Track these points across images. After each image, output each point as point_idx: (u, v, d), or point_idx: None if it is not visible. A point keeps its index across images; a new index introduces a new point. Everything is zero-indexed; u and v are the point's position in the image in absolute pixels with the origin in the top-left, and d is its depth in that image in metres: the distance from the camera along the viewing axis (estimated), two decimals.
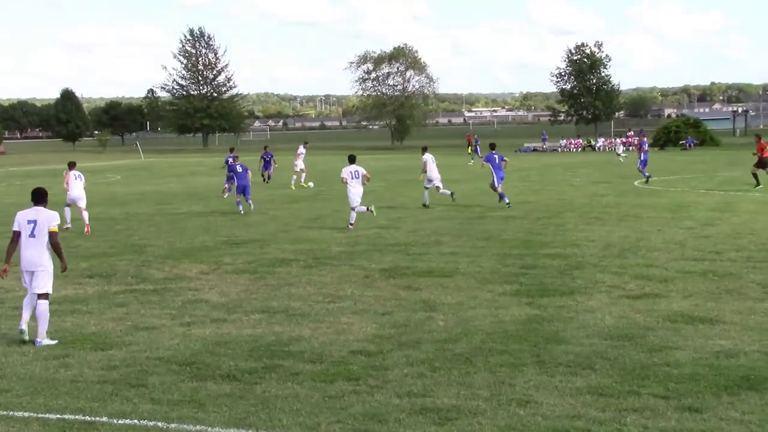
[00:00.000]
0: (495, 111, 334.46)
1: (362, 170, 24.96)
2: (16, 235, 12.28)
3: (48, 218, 12.26)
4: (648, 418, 8.47)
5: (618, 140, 77.13)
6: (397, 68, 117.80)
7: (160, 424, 8.52)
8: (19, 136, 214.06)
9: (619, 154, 68.54)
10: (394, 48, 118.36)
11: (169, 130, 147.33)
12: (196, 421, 8.59)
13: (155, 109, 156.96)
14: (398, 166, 61.85)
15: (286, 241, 22.09)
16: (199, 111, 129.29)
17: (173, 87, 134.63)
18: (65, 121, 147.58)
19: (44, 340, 12.02)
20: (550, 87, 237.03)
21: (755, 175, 35.38)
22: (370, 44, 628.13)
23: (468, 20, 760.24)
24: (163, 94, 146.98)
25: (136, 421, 8.63)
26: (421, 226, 24.55)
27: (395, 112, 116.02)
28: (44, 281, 12.18)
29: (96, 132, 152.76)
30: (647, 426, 8.28)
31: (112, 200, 36.83)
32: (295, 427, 8.40)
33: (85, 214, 25.65)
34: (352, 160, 25.45)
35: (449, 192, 31.23)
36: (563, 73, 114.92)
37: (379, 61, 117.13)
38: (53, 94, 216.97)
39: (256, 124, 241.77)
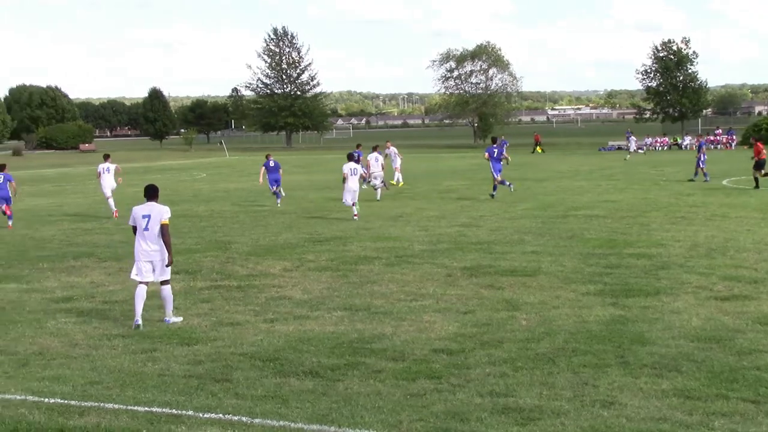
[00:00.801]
0: (579, 109, 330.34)
1: (360, 168, 28.36)
2: (134, 230, 13.25)
3: (160, 212, 13.17)
4: (737, 423, 8.28)
5: (632, 138, 72.43)
6: (480, 66, 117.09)
7: (244, 418, 8.64)
8: (108, 134, 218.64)
9: (629, 152, 67.33)
10: (477, 46, 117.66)
11: (253, 129, 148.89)
12: (280, 417, 8.68)
13: (240, 107, 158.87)
14: (481, 165, 61.54)
15: (369, 238, 22.17)
16: (283, 109, 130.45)
17: (257, 86, 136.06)
18: (153, 119, 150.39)
19: (172, 319, 13.21)
20: (635, 84, 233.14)
21: (756, 178, 35.59)
22: (450, 42, 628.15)
23: (551, 17, 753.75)
24: (247, 93, 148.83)
25: (221, 415, 8.76)
26: (503, 224, 24.41)
27: (478, 110, 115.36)
28: (164, 268, 13.19)
29: (182, 130, 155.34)
30: (736, 431, 8.10)
31: (197, 197, 37.44)
32: (377, 425, 8.43)
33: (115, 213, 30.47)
34: (350, 158, 28.37)
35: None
36: (649, 70, 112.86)
37: (461, 59, 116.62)
38: (141, 93, 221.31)
39: (339, 122, 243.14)
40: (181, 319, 13.33)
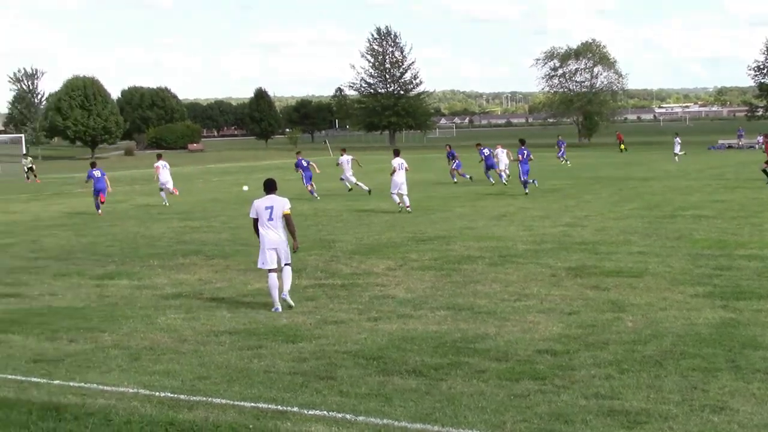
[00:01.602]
0: (687, 107, 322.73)
1: (405, 163, 30.46)
2: (256, 221, 14.33)
3: (282, 204, 14.31)
4: None
5: (677, 139, 65.12)
6: (585, 64, 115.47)
7: (348, 416, 8.70)
8: (216, 134, 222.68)
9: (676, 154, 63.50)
10: (581, 44, 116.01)
11: (357, 128, 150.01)
12: (383, 415, 8.72)
13: (344, 107, 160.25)
14: (586, 164, 60.73)
15: (472, 238, 22.10)
16: (387, 109, 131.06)
17: (361, 85, 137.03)
18: (258, 119, 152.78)
19: (288, 297, 14.22)
20: (747, 81, 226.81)
21: (765, 171, 36.28)
22: (554, 40, 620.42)
23: (657, 13, 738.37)
24: (351, 93, 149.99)
25: (325, 412, 8.85)
26: (609, 224, 24.03)
27: (582, 108, 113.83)
28: (288, 253, 14.38)
29: (287, 130, 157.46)
30: None
31: (302, 197, 37.84)
32: (480, 425, 8.39)
33: (174, 190, 37.97)
34: (397, 153, 30.83)
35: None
36: (762, 66, 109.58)
37: (565, 57, 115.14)
38: (247, 93, 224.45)
39: (443, 121, 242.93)
40: (293, 304, 14.16)
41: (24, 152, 73.96)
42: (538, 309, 13.53)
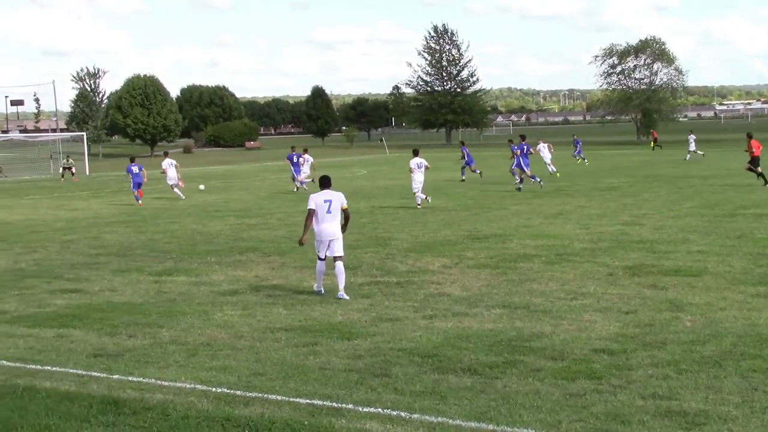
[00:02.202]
0: (749, 104, 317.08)
1: (424, 162, 31.57)
2: (312, 213, 15.01)
3: (340, 199, 15.17)
4: None
5: (691, 137, 62.29)
6: (644, 61, 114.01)
7: (403, 414, 8.70)
8: (273, 132, 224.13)
9: (691, 151, 61.26)
10: (640, 40, 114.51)
11: (413, 126, 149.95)
12: (438, 413, 8.70)
13: (400, 105, 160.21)
14: (645, 161, 60.08)
15: (528, 236, 21.97)
16: (443, 107, 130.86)
17: (417, 83, 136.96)
18: (315, 117, 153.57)
19: (344, 294, 14.78)
20: None
21: (762, 175, 35.38)
22: (613, 37, 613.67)
23: (718, 8, 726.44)
24: (407, 91, 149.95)
25: (380, 409, 8.86)
26: (667, 223, 23.72)
27: (641, 106, 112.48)
28: (341, 247, 15.15)
29: (344, 127, 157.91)
30: None
31: (358, 194, 37.95)
32: (536, 424, 8.34)
33: (181, 183, 40.40)
34: (416, 153, 31.87)
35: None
36: None
37: (624, 54, 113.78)
38: (304, 91, 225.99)
39: (499, 119, 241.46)
40: (348, 297, 14.70)
41: (60, 151, 75.10)
42: (595, 308, 13.41)
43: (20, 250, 22.77)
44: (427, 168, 31.59)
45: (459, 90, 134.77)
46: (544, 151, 46.73)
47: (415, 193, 31.24)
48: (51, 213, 34.58)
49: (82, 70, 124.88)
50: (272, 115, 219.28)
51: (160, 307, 14.68)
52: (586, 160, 59.63)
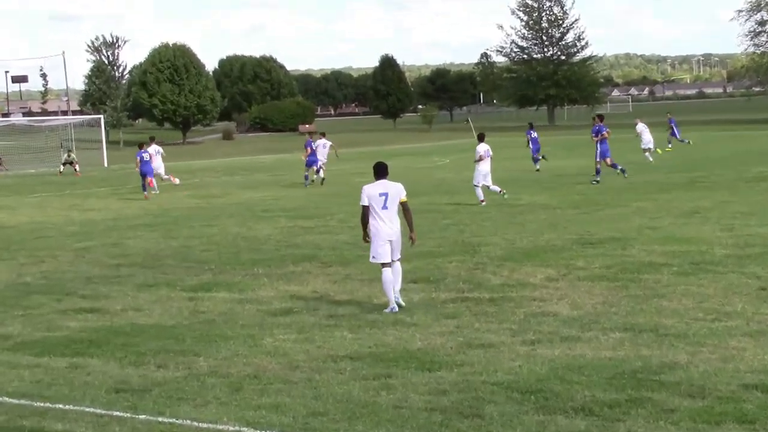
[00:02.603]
0: None
1: (491, 150, 32.79)
2: (366, 210, 15.49)
3: (398, 190, 15.68)
4: None
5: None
6: None
7: None
8: (332, 112, 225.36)
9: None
10: None
11: (506, 103, 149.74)
12: None
13: (490, 77, 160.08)
14: None
15: (655, 240, 21.75)
16: (544, 79, 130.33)
17: (511, 50, 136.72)
18: (384, 94, 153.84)
19: (400, 296, 15.64)
20: None
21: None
22: None
23: None
24: (499, 59, 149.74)
25: None
26: None
27: None
28: (401, 246, 15.80)
29: (420, 106, 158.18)
30: None
31: (439, 188, 37.98)
32: None
33: (172, 178, 45.89)
34: (482, 138, 32.70)
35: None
36: None
37: None
38: (371, 62, 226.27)
39: (615, 93, 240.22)
40: (404, 304, 15.58)
41: (72, 138, 76.46)
42: (744, 331, 13.20)
43: (25, 261, 23.22)
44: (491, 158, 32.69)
45: (563, 58, 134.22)
46: (645, 132, 46.82)
47: (476, 187, 31.98)
48: (61, 214, 35.24)
49: (97, 38, 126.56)
50: (331, 92, 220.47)
51: (195, 330, 14.81)
52: (689, 140, 59.11)
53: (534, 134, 47.81)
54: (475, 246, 22.10)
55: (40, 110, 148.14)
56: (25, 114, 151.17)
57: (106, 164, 70.43)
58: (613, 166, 38.58)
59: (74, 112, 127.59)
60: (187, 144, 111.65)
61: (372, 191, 15.49)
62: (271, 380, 11.78)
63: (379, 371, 11.96)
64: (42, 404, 11.10)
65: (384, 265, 15.41)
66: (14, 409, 10.97)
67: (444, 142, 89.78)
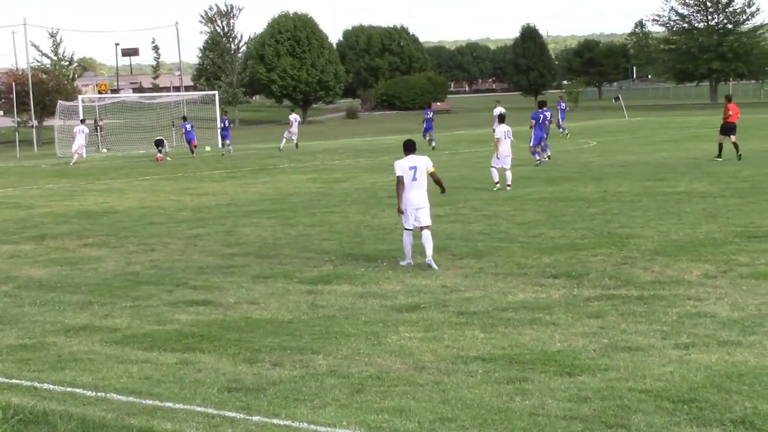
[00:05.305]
0: None
1: (511, 132, 34.34)
2: (401, 180, 19.18)
3: (425, 163, 19.43)
4: None
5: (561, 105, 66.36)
6: None
7: None
8: (467, 88, 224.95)
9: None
10: None
11: (663, 78, 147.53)
12: None
13: (644, 49, 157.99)
14: None
15: None
16: (706, 50, 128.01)
17: (670, 18, 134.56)
18: (525, 68, 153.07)
19: (433, 262, 19.01)
20: None
21: (720, 145, 40.97)
22: None
23: None
24: (655, 29, 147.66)
25: None
26: None
27: None
28: (427, 216, 19.56)
29: (565, 82, 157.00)
30: None
31: (584, 174, 37.63)
32: None
33: (76, 152, 57.77)
34: (502, 119, 35.11)
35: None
36: None
37: None
38: (510, 33, 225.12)
39: None
40: (437, 267, 18.84)
41: (185, 115, 77.23)
42: None
43: (134, 248, 23.72)
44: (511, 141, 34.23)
45: (730, 26, 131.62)
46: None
47: (492, 169, 33.82)
48: (173, 199, 35.85)
49: (211, 8, 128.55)
50: (466, 66, 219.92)
51: (314, 326, 14.97)
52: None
53: (562, 106, 49.26)
54: (624, 238, 21.89)
55: (151, 86, 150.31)
56: (135, 90, 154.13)
57: (220, 145, 71.21)
58: (534, 153, 42.43)
59: (187, 88, 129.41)
60: (307, 124, 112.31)
61: (404, 164, 19.19)
62: (395, 382, 11.87)
63: (514, 375, 11.97)
64: (151, 402, 11.38)
65: (408, 229, 19.37)
66: (122, 407, 11.25)
67: (591, 122, 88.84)
